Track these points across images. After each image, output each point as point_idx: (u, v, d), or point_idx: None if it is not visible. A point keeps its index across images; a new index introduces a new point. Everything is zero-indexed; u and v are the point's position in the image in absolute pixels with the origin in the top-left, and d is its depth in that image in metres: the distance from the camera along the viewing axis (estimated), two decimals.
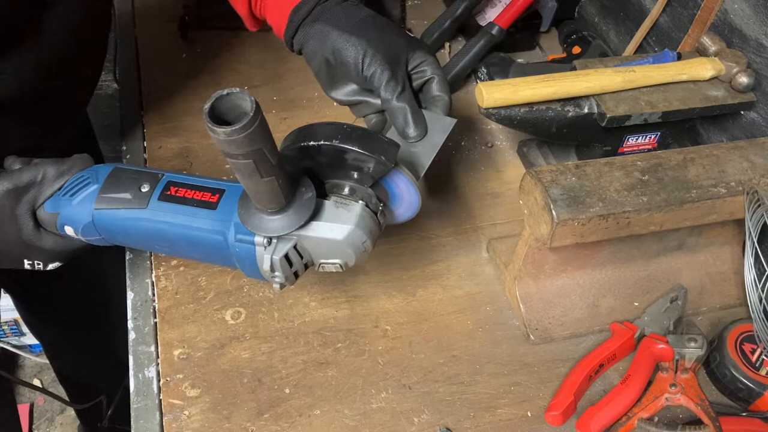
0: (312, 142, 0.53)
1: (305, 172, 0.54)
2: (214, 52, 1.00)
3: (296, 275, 0.56)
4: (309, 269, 0.58)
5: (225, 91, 0.42)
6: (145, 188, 0.56)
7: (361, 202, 0.55)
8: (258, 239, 0.53)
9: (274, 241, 0.53)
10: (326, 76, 0.68)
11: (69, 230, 0.57)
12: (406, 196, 0.60)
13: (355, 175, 0.55)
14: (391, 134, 0.65)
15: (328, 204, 0.54)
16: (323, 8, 0.66)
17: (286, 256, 0.54)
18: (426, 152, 0.64)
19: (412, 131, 0.63)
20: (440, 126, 0.65)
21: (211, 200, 0.55)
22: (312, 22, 0.66)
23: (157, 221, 0.55)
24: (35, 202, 0.56)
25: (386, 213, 0.59)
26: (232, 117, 0.42)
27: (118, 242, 0.60)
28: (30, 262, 0.59)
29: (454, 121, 0.66)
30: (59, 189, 0.57)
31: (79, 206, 0.56)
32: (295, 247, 0.54)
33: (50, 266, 0.60)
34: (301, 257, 0.55)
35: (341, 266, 0.56)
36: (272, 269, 0.54)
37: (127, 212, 0.56)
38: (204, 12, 1.03)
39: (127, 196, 0.56)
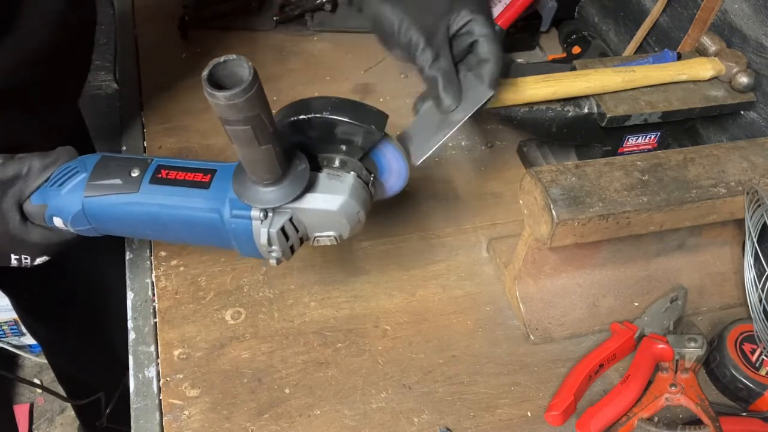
0: (302, 116, 0.53)
1: (296, 148, 0.54)
2: (214, 52, 1.00)
3: (292, 249, 0.57)
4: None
5: (222, 59, 0.43)
6: (135, 173, 0.56)
7: (352, 173, 0.56)
8: (254, 213, 0.54)
9: (270, 214, 0.54)
10: (378, 35, 0.66)
11: (58, 221, 0.57)
12: (394, 167, 0.60)
13: (344, 148, 0.56)
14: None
15: (321, 176, 0.55)
16: None
17: (283, 229, 0.54)
18: (448, 124, 0.63)
19: (445, 100, 0.62)
20: (474, 97, 0.64)
21: (203, 180, 0.55)
22: None
23: (149, 204, 0.55)
24: (21, 196, 0.56)
25: (376, 185, 0.60)
26: (231, 83, 0.42)
27: (109, 231, 0.59)
28: (17, 257, 0.58)
29: (490, 93, 0.64)
30: (46, 181, 0.57)
31: (68, 195, 0.56)
32: (290, 219, 0.54)
33: (38, 260, 0.59)
34: (297, 230, 0.55)
35: (336, 238, 0.57)
36: (269, 243, 0.54)
37: (118, 197, 0.55)
38: (204, 12, 1.03)
39: (118, 181, 0.55)
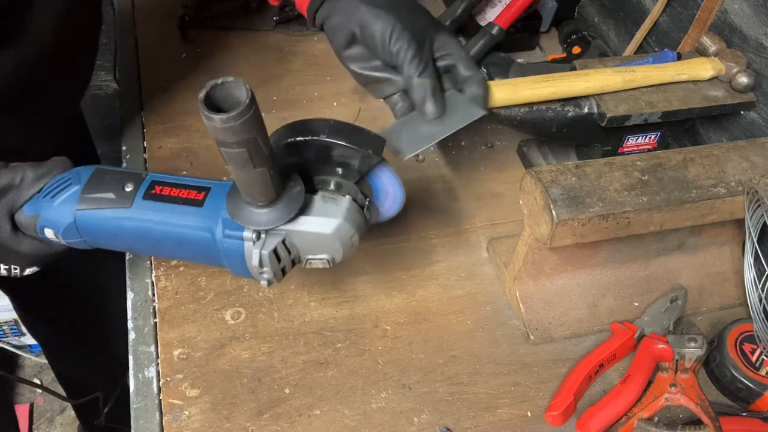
0: (300, 138, 0.53)
1: (292, 169, 0.54)
2: (214, 52, 1.00)
3: (284, 271, 0.56)
4: (296, 267, 0.58)
5: (220, 80, 0.42)
6: (128, 188, 0.55)
7: (348, 196, 0.55)
8: (246, 234, 0.53)
9: (263, 235, 0.53)
10: (348, 50, 0.67)
11: (49, 233, 0.56)
12: (390, 191, 0.60)
13: (341, 171, 0.56)
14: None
15: (316, 198, 0.55)
16: None
17: (275, 251, 0.54)
18: (436, 132, 0.64)
19: (430, 107, 0.64)
20: (464, 112, 0.65)
21: (197, 198, 0.55)
22: None
23: (142, 220, 0.55)
24: (13, 206, 0.55)
25: (372, 209, 0.60)
26: (227, 106, 0.42)
27: (101, 244, 0.58)
28: (6, 267, 0.58)
29: (482, 113, 0.66)
30: (38, 191, 0.56)
31: (60, 207, 0.55)
32: (283, 241, 0.54)
33: (27, 271, 0.59)
34: (289, 253, 0.55)
35: (328, 262, 0.57)
36: (261, 264, 0.54)
37: (110, 212, 0.55)
38: (204, 12, 1.03)
39: (111, 195, 0.55)
